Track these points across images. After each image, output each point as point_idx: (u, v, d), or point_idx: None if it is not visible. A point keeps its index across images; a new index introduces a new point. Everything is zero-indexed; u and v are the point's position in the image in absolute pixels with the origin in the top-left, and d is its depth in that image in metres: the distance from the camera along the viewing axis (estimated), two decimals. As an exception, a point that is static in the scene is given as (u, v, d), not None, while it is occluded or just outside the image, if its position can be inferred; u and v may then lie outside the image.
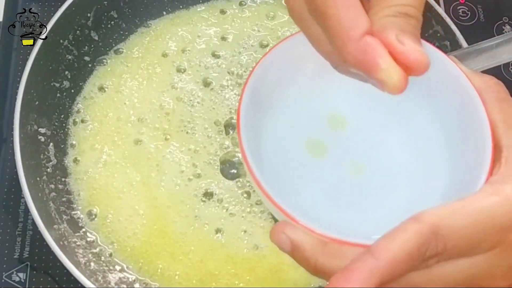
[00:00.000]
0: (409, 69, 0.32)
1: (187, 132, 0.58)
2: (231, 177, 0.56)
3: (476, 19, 0.67)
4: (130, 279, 0.52)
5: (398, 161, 0.40)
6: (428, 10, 0.59)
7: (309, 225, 0.33)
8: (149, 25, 0.63)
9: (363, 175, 0.40)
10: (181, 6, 0.64)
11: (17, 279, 0.52)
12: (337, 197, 0.39)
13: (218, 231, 0.54)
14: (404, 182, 0.39)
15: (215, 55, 0.62)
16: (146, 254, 0.53)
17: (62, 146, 0.57)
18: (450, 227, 0.31)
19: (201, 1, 0.65)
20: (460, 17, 0.67)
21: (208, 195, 0.55)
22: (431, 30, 0.59)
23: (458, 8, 0.67)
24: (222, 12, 0.64)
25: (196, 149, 0.57)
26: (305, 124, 0.40)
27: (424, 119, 0.40)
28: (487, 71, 0.42)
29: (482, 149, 0.35)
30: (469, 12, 0.67)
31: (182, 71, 0.61)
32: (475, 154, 0.35)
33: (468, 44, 0.55)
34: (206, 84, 0.60)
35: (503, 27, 0.67)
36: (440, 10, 0.59)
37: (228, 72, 0.61)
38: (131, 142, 0.57)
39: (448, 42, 0.57)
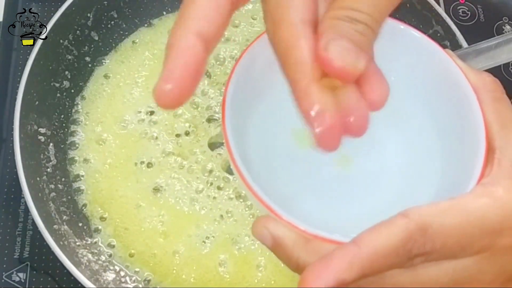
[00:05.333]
0: (337, 77, 0.30)
1: (195, 134, 0.58)
2: None
3: (476, 19, 0.67)
4: (130, 280, 0.52)
5: (389, 157, 0.39)
6: (428, 10, 0.59)
7: (292, 221, 0.32)
8: (149, 24, 0.63)
9: (352, 169, 0.38)
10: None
11: (17, 279, 0.52)
12: (323, 190, 0.38)
13: (247, 238, 0.53)
14: (394, 179, 0.38)
15: (216, 52, 0.62)
16: (157, 258, 0.53)
17: (62, 146, 0.57)
18: (438, 226, 0.30)
19: (201, 1, 0.64)
20: (460, 17, 0.67)
21: (233, 200, 0.55)
22: (431, 30, 0.59)
23: (458, 8, 0.67)
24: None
25: (207, 152, 0.57)
26: (292, 114, 0.39)
27: (417, 115, 0.39)
28: (487, 71, 0.42)
29: (475, 149, 0.34)
30: (469, 12, 0.67)
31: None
32: (468, 153, 0.34)
33: (468, 44, 0.55)
34: (210, 82, 0.60)
35: (503, 27, 0.67)
36: (440, 10, 0.59)
37: (229, 70, 0.61)
38: (134, 143, 0.57)
39: (448, 42, 0.57)
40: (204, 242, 0.53)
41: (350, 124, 0.30)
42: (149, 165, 0.56)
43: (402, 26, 0.37)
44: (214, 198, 0.55)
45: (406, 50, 0.37)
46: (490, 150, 0.34)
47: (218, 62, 0.61)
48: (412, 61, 0.37)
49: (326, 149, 0.30)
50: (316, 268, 0.29)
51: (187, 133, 0.58)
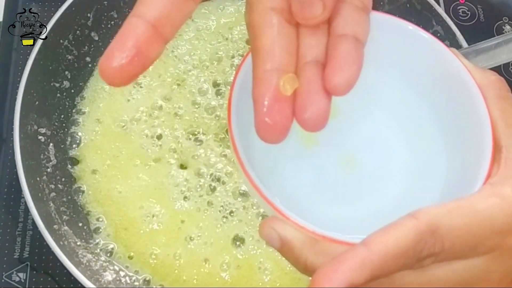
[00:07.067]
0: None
1: (195, 133, 0.57)
2: None
3: (476, 19, 0.67)
4: (130, 280, 0.52)
5: (394, 157, 0.39)
6: (428, 10, 0.59)
7: (301, 222, 0.32)
8: (149, 25, 0.63)
9: (357, 169, 0.38)
10: (181, 6, 0.64)
11: (17, 279, 0.52)
12: (329, 190, 0.38)
13: (251, 239, 0.53)
14: (400, 179, 0.38)
15: (217, 52, 0.62)
16: (157, 259, 0.53)
17: (62, 146, 0.57)
18: (447, 226, 0.30)
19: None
20: (460, 17, 0.67)
21: (236, 199, 0.55)
22: (431, 30, 0.59)
23: (458, 8, 0.67)
24: (221, 8, 0.64)
25: (208, 151, 0.57)
26: None
27: (422, 114, 0.39)
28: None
29: (481, 148, 0.34)
30: (469, 12, 0.67)
31: (185, 69, 0.61)
32: (474, 152, 0.34)
33: (468, 44, 0.55)
34: (212, 82, 0.60)
35: (503, 27, 0.67)
36: (440, 10, 0.59)
37: (232, 67, 0.60)
38: (134, 143, 0.57)
39: (448, 42, 0.57)
40: (206, 243, 0.53)
41: (305, 120, 0.30)
42: (149, 165, 0.56)
43: (410, 26, 0.37)
44: (216, 197, 0.55)
45: (411, 49, 0.37)
46: (496, 149, 0.34)
47: (215, 62, 0.61)
48: (417, 60, 0.37)
49: (266, 141, 0.30)
50: (327, 270, 0.29)
51: (186, 132, 0.58)
